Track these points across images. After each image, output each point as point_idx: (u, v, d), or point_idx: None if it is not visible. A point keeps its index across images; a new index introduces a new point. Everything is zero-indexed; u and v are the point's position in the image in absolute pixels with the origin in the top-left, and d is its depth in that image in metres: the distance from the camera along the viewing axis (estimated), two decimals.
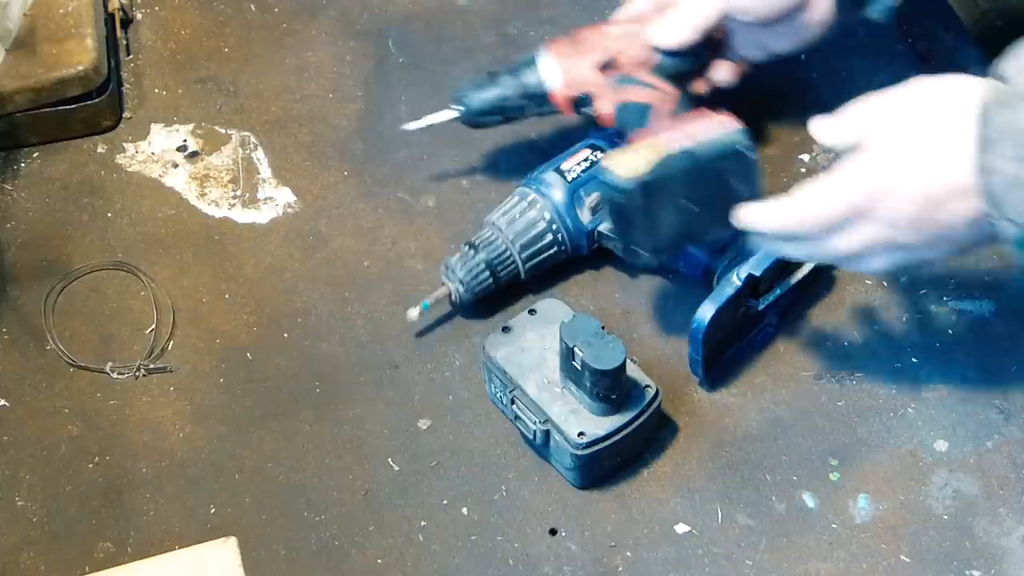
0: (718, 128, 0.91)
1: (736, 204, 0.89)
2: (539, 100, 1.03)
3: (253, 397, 0.99)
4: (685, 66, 0.99)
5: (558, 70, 1.01)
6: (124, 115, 1.17)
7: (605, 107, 0.99)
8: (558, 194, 1.01)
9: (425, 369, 1.01)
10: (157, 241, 1.08)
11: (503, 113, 1.05)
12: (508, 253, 1.01)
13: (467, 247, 1.01)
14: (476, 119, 1.06)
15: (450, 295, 1.01)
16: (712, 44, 1.00)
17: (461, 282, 1.00)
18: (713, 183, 0.90)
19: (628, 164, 0.89)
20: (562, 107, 1.03)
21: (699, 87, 1.02)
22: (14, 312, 1.04)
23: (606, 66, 0.99)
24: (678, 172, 0.89)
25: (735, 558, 0.91)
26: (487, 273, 1.00)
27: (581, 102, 1.01)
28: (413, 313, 1.00)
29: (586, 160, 1.02)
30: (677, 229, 0.92)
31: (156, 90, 1.19)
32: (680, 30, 0.96)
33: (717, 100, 1.04)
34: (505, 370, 0.93)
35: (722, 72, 1.03)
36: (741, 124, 0.92)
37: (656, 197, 0.90)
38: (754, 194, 0.91)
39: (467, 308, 1.03)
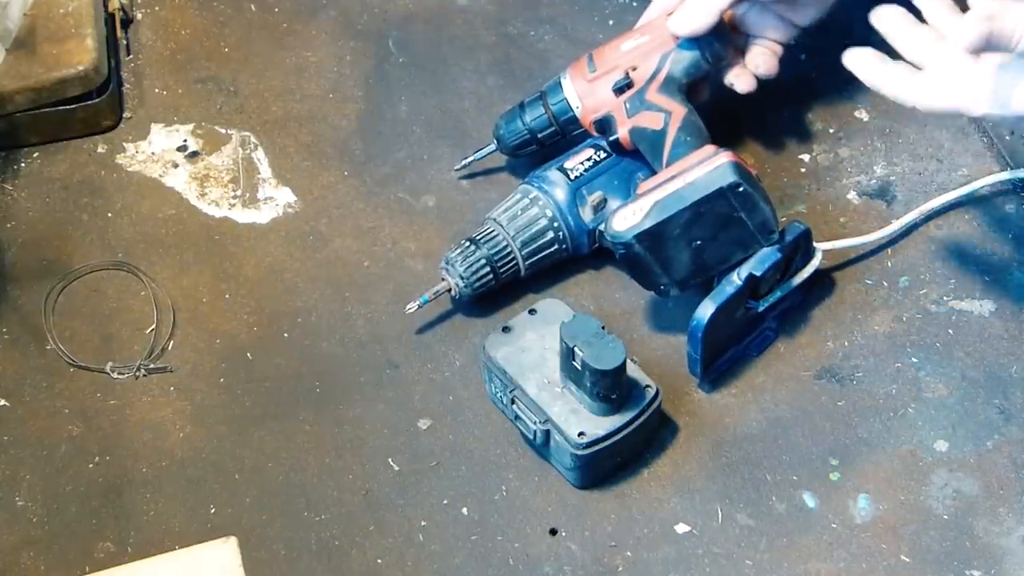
0: (707, 168, 0.92)
1: (749, 229, 0.92)
2: (568, 124, 1.04)
3: (253, 397, 0.99)
4: (700, 67, 0.99)
5: (578, 94, 1.02)
6: (124, 115, 1.17)
7: (622, 132, 1.00)
8: (560, 192, 1.01)
9: (425, 369, 1.01)
10: (157, 241, 1.08)
11: (538, 140, 1.06)
12: (509, 250, 1.01)
13: (468, 242, 1.01)
14: (514, 150, 1.08)
15: (450, 290, 1.01)
16: (726, 38, 1.01)
17: (461, 277, 1.00)
18: (717, 217, 0.92)
19: (624, 217, 0.93)
20: (588, 130, 1.04)
21: (744, 82, 1.02)
22: (14, 312, 1.04)
23: (623, 87, 1.00)
24: (674, 215, 0.92)
25: (735, 558, 0.91)
26: (487, 269, 1.00)
27: (604, 125, 1.02)
28: (412, 306, 1.00)
29: (589, 159, 1.02)
30: (694, 263, 0.94)
31: (156, 90, 1.19)
32: (699, 15, 0.97)
33: (726, 100, 1.05)
34: (505, 370, 0.93)
35: (760, 60, 1.03)
36: (735, 159, 0.92)
37: (661, 241, 0.93)
38: (764, 218, 0.93)
39: (466, 304, 1.02)
